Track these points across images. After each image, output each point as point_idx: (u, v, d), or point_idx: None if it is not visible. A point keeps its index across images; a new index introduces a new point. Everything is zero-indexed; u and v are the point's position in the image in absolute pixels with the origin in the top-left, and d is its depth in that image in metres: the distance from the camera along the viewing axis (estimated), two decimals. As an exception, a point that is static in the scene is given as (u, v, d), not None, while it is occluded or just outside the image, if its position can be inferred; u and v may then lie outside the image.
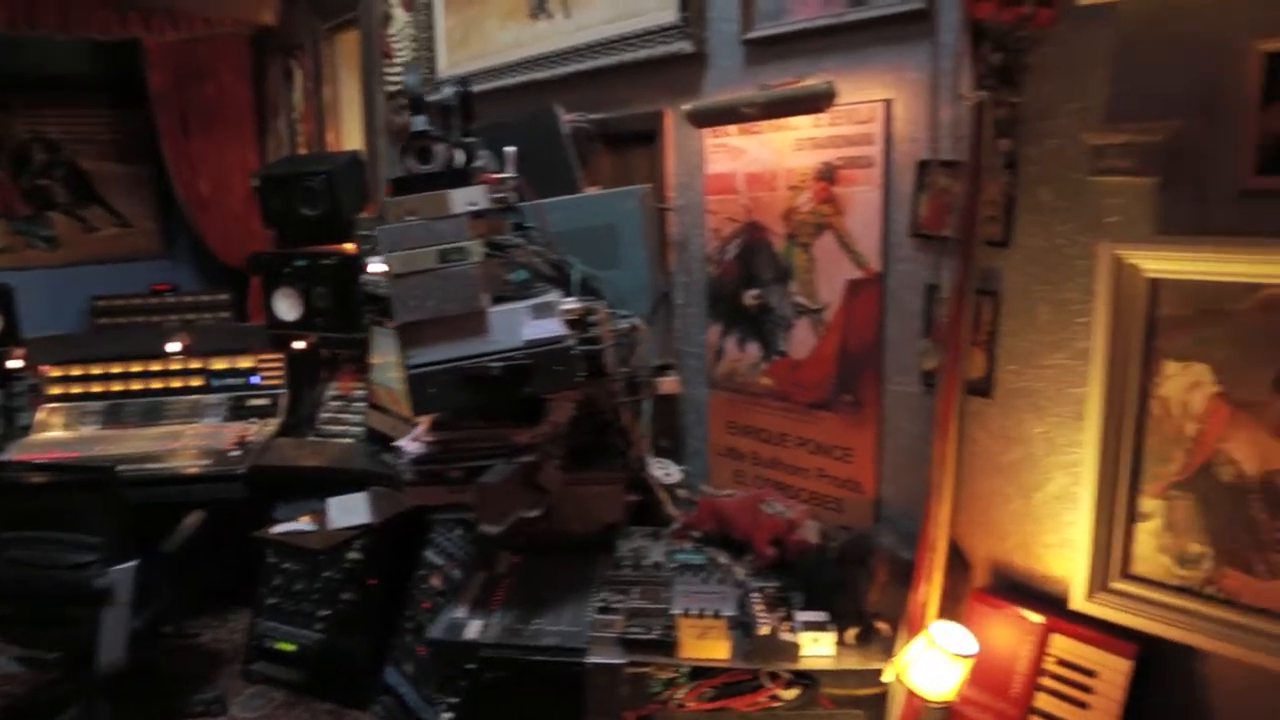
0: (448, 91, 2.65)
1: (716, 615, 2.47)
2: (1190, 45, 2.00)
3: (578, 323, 2.60)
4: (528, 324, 2.45)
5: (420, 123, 2.41)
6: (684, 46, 2.99)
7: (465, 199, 2.40)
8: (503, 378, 2.40)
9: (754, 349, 2.95)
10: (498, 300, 2.50)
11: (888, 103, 2.50)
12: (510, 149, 2.83)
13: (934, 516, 2.37)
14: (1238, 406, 1.99)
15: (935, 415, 2.36)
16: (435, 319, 2.41)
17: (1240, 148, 1.94)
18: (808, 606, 2.54)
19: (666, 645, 2.43)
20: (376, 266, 2.30)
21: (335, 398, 4.76)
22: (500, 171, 2.75)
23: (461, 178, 2.44)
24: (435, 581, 3.69)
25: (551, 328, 2.44)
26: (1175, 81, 2.02)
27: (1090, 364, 2.14)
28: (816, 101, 2.50)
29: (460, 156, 2.58)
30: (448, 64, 4.21)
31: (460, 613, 2.69)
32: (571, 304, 2.53)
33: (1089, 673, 2.19)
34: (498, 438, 2.62)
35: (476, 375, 2.40)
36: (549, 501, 2.70)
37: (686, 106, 2.84)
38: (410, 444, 2.65)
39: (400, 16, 4.45)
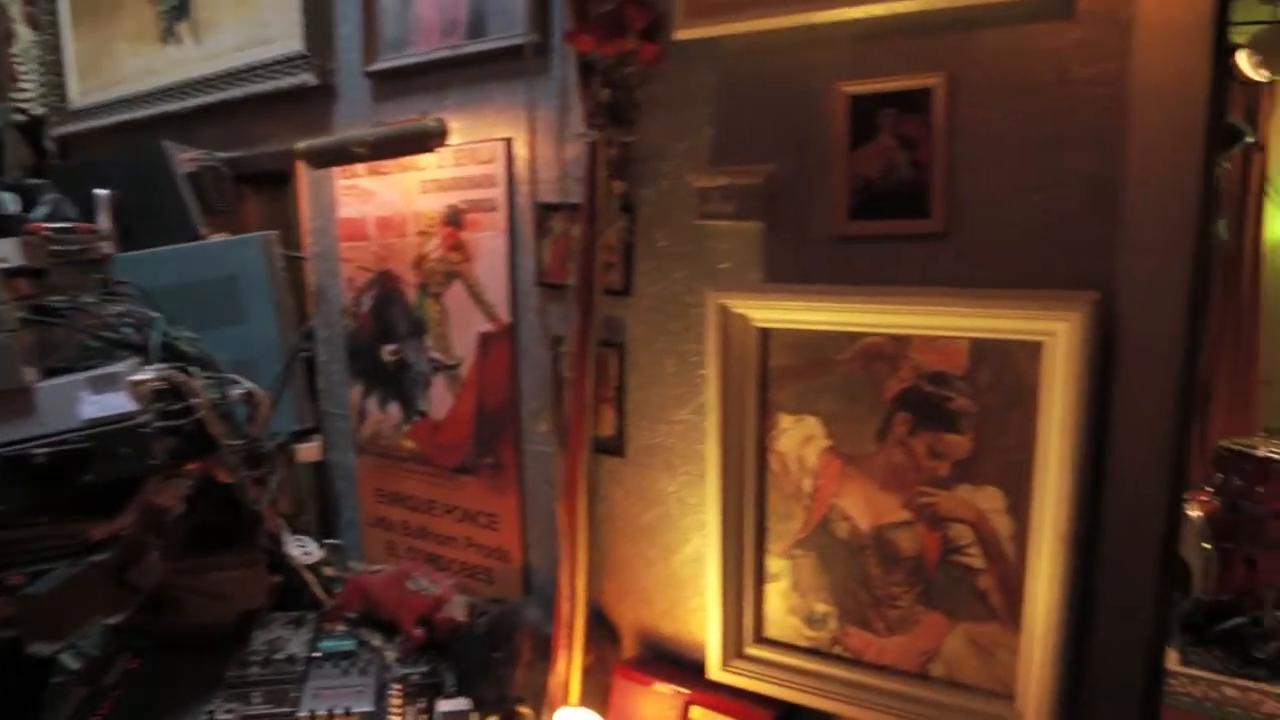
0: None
1: (347, 713, 2.14)
2: (783, 85, 1.88)
3: (169, 393, 2.20)
4: (88, 400, 2.02)
5: (-70, 162, 1.95)
6: (308, 79, 2.65)
7: (-6, 253, 1.96)
8: (53, 466, 1.96)
9: (395, 409, 2.64)
10: (54, 373, 2.07)
11: (508, 141, 2.28)
12: (103, 193, 2.39)
13: (567, 588, 2.14)
14: (847, 460, 1.88)
15: (563, 477, 2.13)
16: (-37, 399, 1.94)
17: (834, 192, 1.83)
18: (460, 691, 2.25)
19: (283, 758, 2.06)
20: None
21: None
22: (87, 219, 2.32)
23: (-6, 227, 1.99)
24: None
25: (116, 403, 2.02)
26: (772, 122, 1.90)
27: (707, 419, 1.97)
28: (426, 140, 2.23)
29: (12, 202, 2.13)
30: (79, 92, 3.65)
31: (38, 744, 2.21)
32: (147, 374, 2.12)
33: (728, 746, 2.02)
34: (69, 534, 2.16)
35: (18, 464, 1.95)
36: (141, 600, 2.27)
37: (299, 145, 2.50)
38: (-46, 548, 2.13)
39: (25, 35, 3.84)
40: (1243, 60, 3.89)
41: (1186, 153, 1.52)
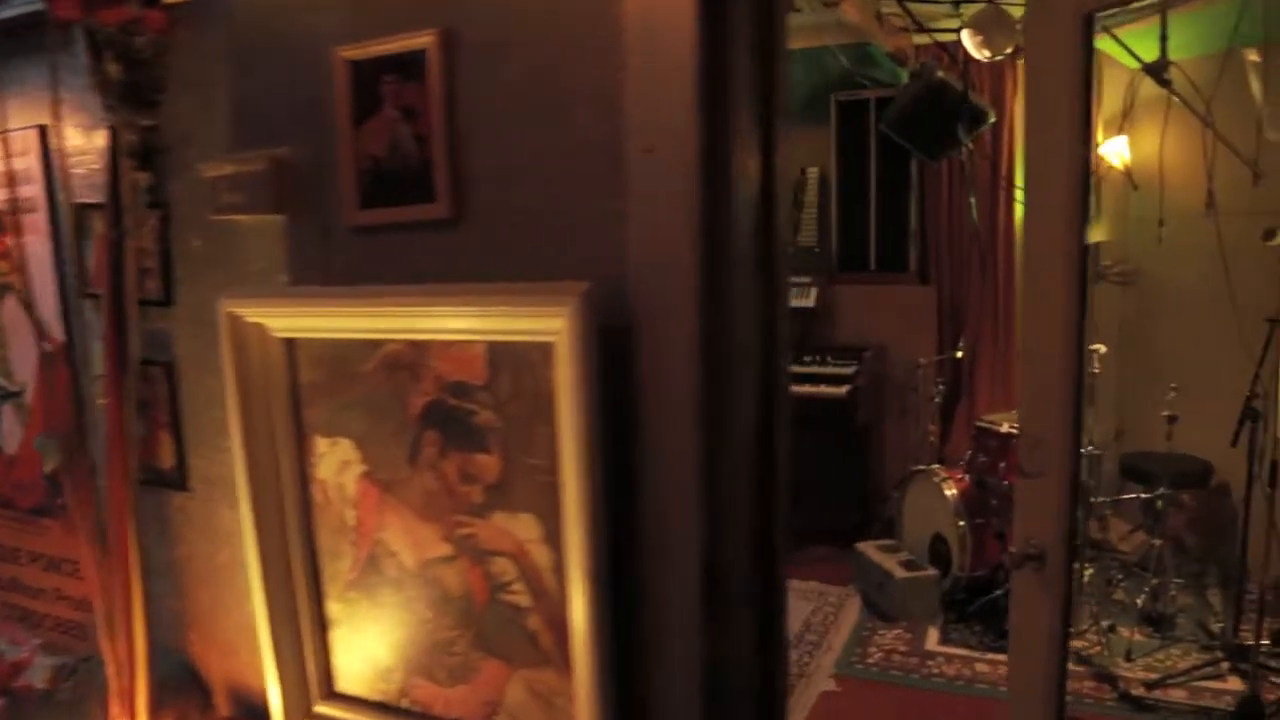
0: None
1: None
2: (292, 53, 1.54)
3: None
4: None
5: None
6: None
7: None
8: None
9: (-29, 444, 2.20)
10: None
11: (41, 130, 1.87)
12: None
13: (117, 650, 1.75)
14: (384, 487, 1.55)
15: (109, 522, 1.75)
16: None
17: (343, 176, 1.49)
18: (47, 766, 1.85)
19: None
20: None
21: None
22: None
23: None
24: None
25: None
26: (285, 97, 1.56)
27: (232, 445, 1.61)
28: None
29: None
30: None
31: None
32: None
33: (299, 821, 1.67)
34: None
35: None
36: None
37: None
38: None
39: None
40: (966, 40, 3.73)
41: (680, 111, 1.24)
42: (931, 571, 3.98)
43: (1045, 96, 1.58)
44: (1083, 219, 1.59)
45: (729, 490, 1.38)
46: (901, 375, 4.71)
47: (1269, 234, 2.86)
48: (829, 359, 4.60)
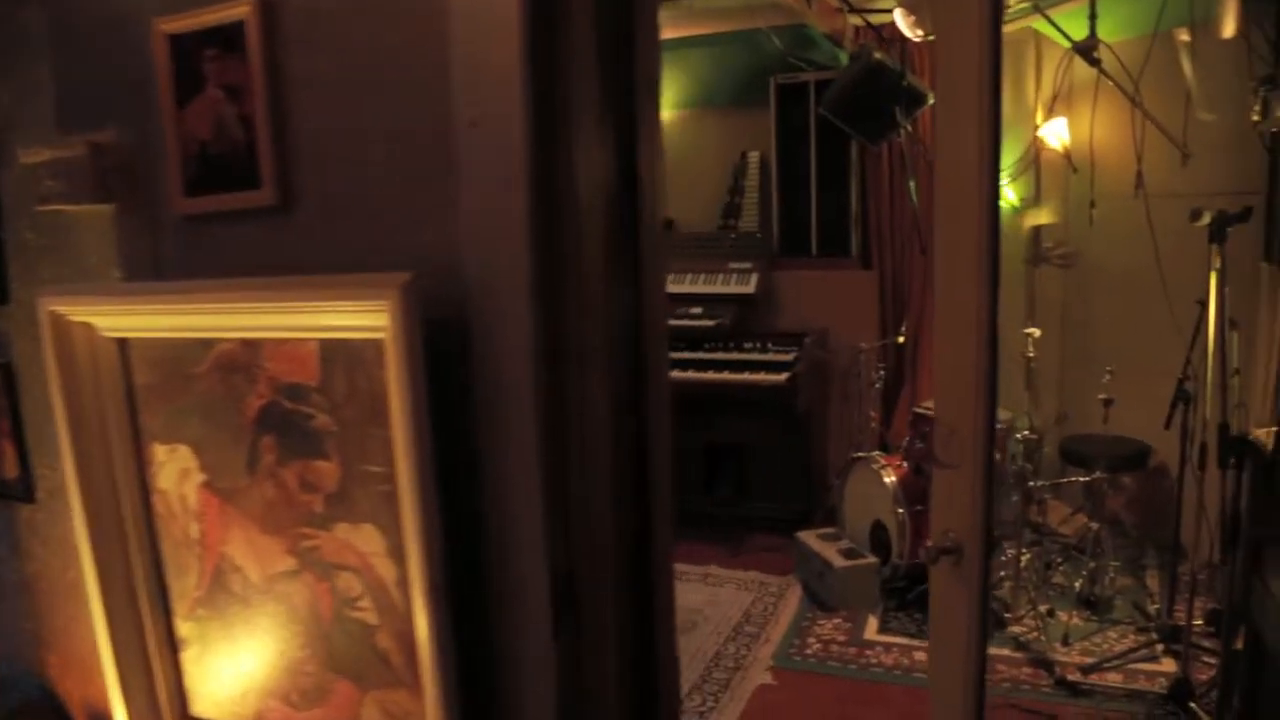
0: None
1: None
2: (115, 28, 1.39)
3: None
4: None
5: None
6: None
7: None
8: None
9: None
10: None
11: None
12: None
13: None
14: (225, 497, 1.42)
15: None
16: None
17: (169, 161, 1.35)
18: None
19: None
20: None
21: None
22: None
23: None
24: None
25: None
26: (109, 77, 1.42)
27: (62, 456, 1.48)
28: None
29: None
30: None
31: None
32: None
33: None
34: None
35: None
36: None
37: None
38: None
39: None
40: (899, 20, 3.62)
41: (505, 77, 1.11)
42: (871, 560, 3.90)
43: (954, 74, 1.47)
44: (994, 204, 1.49)
45: (584, 496, 1.26)
46: (843, 361, 4.62)
47: (1196, 215, 2.78)
48: (769, 345, 4.50)
